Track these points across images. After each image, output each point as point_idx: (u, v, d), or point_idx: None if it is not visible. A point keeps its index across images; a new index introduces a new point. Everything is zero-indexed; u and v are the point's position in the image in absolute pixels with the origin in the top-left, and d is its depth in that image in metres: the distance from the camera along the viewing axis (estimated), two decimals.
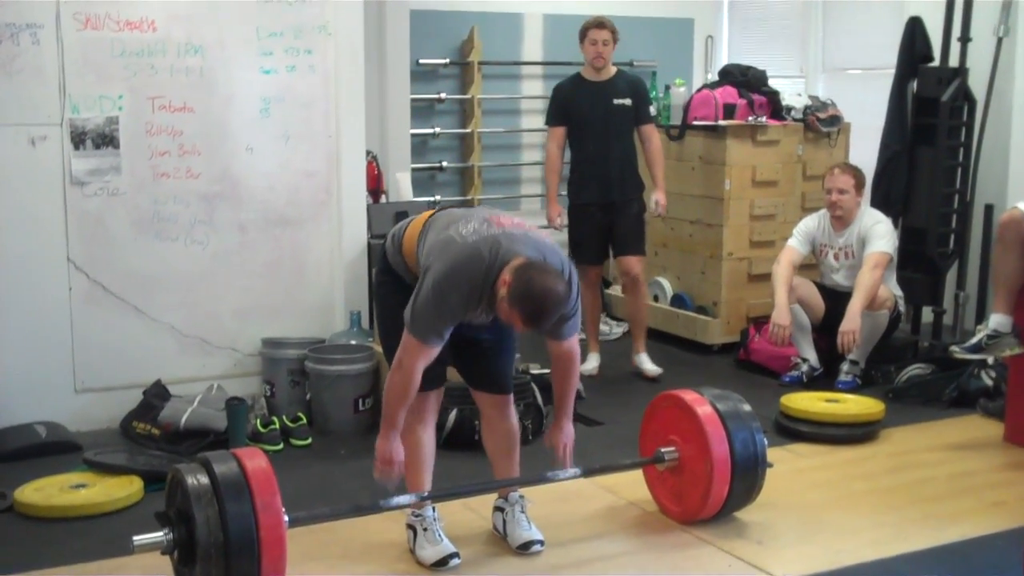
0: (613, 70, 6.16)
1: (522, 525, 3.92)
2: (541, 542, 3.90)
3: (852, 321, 5.70)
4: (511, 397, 3.94)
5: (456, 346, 3.73)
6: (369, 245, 6.02)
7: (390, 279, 3.84)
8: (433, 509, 3.85)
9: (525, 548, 3.88)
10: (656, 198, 6.22)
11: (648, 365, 6.27)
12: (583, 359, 6.29)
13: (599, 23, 6.02)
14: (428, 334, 3.48)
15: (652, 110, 6.24)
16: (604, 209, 6.15)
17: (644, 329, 6.41)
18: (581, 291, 6.24)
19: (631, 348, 6.43)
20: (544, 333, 3.66)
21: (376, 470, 3.64)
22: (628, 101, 6.09)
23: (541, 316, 3.40)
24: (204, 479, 3.30)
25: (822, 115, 6.97)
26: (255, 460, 3.39)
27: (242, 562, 3.23)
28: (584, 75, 6.17)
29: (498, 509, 4.01)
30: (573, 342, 3.75)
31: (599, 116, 6.09)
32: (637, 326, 6.39)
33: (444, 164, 7.62)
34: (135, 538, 3.32)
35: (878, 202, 6.51)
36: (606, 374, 6.35)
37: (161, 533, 3.33)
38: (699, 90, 7.07)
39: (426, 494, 3.74)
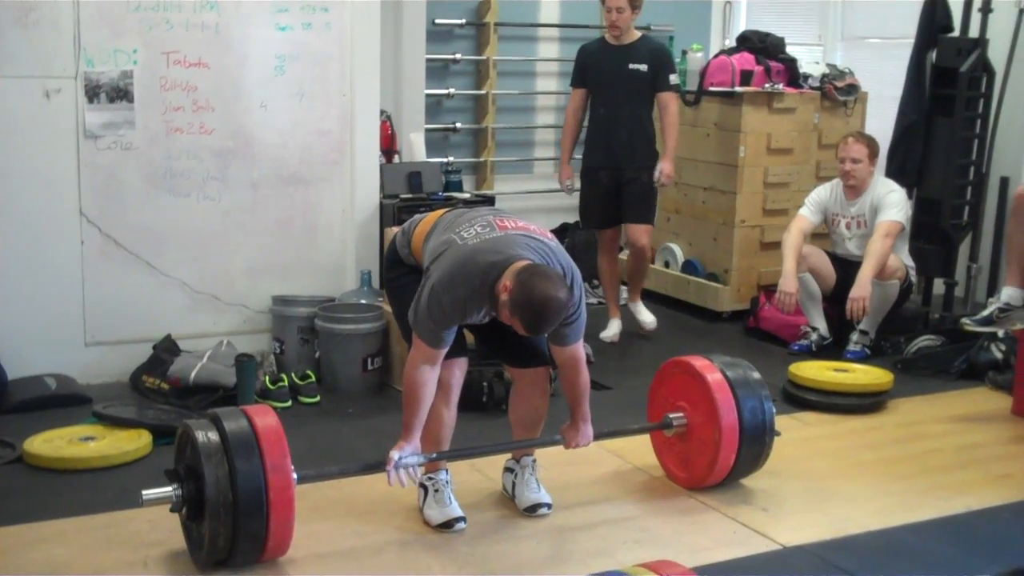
0: (636, 35, 6.11)
1: (531, 487, 3.94)
2: (549, 505, 3.92)
3: (862, 288, 5.69)
4: (549, 370, 3.89)
5: (485, 328, 3.73)
6: (381, 205, 6.02)
7: (401, 271, 3.83)
8: (447, 472, 3.85)
9: (532, 510, 3.90)
10: (660, 166, 6.12)
11: (645, 316, 6.38)
12: (604, 325, 6.32)
13: None
14: (429, 337, 3.50)
15: (673, 79, 6.15)
16: (612, 174, 6.13)
17: (640, 284, 6.50)
18: (598, 258, 6.31)
19: (654, 312, 6.49)
20: (548, 339, 3.69)
21: (389, 478, 3.57)
22: (644, 67, 6.02)
23: (542, 323, 3.37)
24: (214, 436, 3.31)
25: (839, 84, 6.93)
26: (265, 418, 3.40)
27: (251, 521, 3.25)
28: (607, 38, 6.15)
29: (508, 470, 4.03)
30: (577, 348, 3.73)
31: (613, 80, 6.06)
32: (634, 279, 6.45)
33: (458, 125, 7.58)
34: (144, 492, 3.35)
35: (893, 172, 6.47)
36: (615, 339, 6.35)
37: (170, 488, 3.35)
38: (716, 56, 7.04)
39: (434, 455, 3.73)
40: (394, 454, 3.54)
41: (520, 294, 3.31)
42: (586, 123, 6.31)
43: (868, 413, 5.14)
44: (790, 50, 7.12)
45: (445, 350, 3.56)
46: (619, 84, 6.06)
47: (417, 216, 3.91)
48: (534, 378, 3.88)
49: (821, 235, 6.34)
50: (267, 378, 5.18)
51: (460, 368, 3.74)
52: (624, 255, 6.47)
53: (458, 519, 3.78)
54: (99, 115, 5.20)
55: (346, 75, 5.74)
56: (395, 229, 5.51)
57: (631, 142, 6.10)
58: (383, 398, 5.28)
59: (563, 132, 6.36)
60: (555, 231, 6.82)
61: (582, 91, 6.20)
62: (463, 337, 3.72)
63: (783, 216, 6.63)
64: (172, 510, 3.39)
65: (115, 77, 5.21)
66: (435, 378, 3.58)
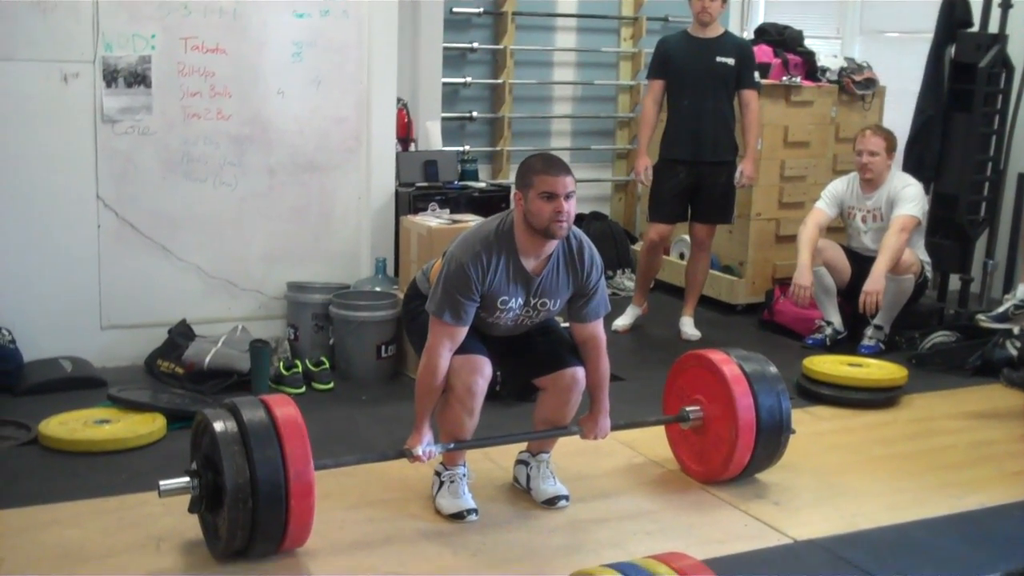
0: (721, 30, 6.08)
1: (548, 480, 3.95)
2: (567, 497, 3.93)
3: (876, 282, 5.67)
4: (583, 371, 3.83)
5: (505, 348, 3.78)
6: (397, 193, 6.02)
7: (419, 302, 3.79)
8: (465, 466, 3.86)
9: (551, 503, 3.90)
10: (742, 168, 6.11)
11: (689, 329, 6.24)
12: (620, 315, 6.30)
13: None
14: (449, 308, 3.53)
15: (757, 76, 6.15)
16: (692, 168, 6.05)
17: (697, 295, 6.39)
18: (644, 251, 6.28)
19: (679, 307, 6.42)
20: (569, 317, 3.74)
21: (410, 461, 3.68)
22: (731, 61, 5.98)
23: (552, 158, 3.56)
24: (233, 426, 3.30)
25: (857, 77, 6.92)
26: (285, 408, 3.39)
27: (270, 514, 3.25)
28: (690, 31, 6.09)
29: (522, 463, 4.03)
30: (598, 327, 3.77)
31: (699, 72, 5.99)
32: (691, 289, 6.36)
33: (474, 114, 7.58)
34: (162, 483, 3.33)
35: (911, 167, 6.46)
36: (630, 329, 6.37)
37: (187, 478, 3.35)
38: None
39: (452, 445, 3.73)
40: (418, 450, 3.61)
41: (522, 166, 3.57)
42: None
43: (882, 408, 5.13)
44: (808, 43, 7.12)
45: (464, 328, 3.58)
46: (706, 77, 5.99)
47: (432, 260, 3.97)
48: (567, 384, 3.82)
49: (837, 229, 6.32)
50: (281, 364, 5.19)
51: (483, 375, 3.67)
52: (637, 246, 6.43)
53: (470, 511, 3.78)
54: (117, 100, 5.21)
55: (363, 63, 5.73)
56: (410, 217, 5.57)
57: (716, 136, 6.03)
58: (397, 385, 5.28)
59: (641, 124, 6.23)
60: None
61: (661, 82, 6.09)
62: (483, 342, 3.72)
63: (799, 209, 6.63)
64: (191, 510, 3.38)
65: (133, 62, 5.21)
66: (447, 366, 3.60)
